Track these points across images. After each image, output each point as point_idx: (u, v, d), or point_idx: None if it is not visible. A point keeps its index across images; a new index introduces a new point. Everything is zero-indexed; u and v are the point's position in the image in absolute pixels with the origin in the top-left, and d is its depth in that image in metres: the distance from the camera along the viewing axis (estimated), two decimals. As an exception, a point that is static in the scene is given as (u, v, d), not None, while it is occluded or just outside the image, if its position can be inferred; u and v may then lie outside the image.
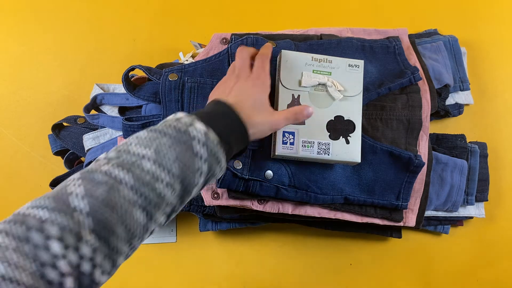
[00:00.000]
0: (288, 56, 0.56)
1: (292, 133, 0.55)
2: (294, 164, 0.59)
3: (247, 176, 0.58)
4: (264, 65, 0.51)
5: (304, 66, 0.56)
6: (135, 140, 0.39)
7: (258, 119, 0.47)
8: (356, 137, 0.56)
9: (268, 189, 0.59)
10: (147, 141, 0.38)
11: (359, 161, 0.56)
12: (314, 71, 0.56)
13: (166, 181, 0.37)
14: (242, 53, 0.52)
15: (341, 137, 0.56)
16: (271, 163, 0.59)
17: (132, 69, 0.62)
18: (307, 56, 0.56)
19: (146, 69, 0.62)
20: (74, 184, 0.34)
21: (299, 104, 0.56)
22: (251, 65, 0.52)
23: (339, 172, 0.61)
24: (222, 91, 0.49)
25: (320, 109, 0.56)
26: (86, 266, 0.32)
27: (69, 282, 0.30)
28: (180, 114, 0.42)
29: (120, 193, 0.34)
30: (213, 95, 0.51)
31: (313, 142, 0.55)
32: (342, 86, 0.56)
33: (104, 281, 0.35)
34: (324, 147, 0.55)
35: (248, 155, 0.59)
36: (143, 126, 0.61)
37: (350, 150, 0.56)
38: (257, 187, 0.58)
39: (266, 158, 0.59)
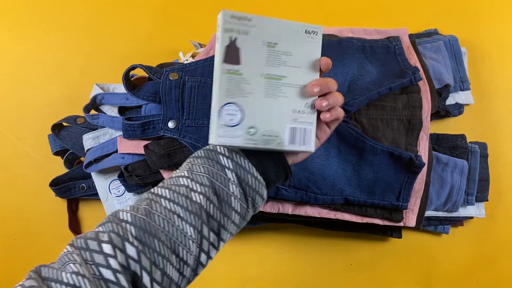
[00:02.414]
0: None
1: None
2: (293, 165, 0.59)
3: None
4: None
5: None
6: (177, 170, 0.45)
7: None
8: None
9: None
10: (185, 165, 0.45)
11: (313, 150, 0.45)
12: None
13: (199, 190, 0.42)
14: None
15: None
16: None
17: (133, 68, 0.62)
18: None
19: (147, 68, 0.62)
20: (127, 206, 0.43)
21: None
22: None
23: (339, 173, 0.61)
24: None
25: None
26: (133, 266, 0.37)
27: (122, 280, 0.36)
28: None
29: (159, 205, 0.41)
30: None
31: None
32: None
33: None
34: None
35: None
36: (143, 126, 0.61)
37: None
38: None
39: None
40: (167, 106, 0.60)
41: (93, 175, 0.69)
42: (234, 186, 0.43)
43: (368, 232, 0.68)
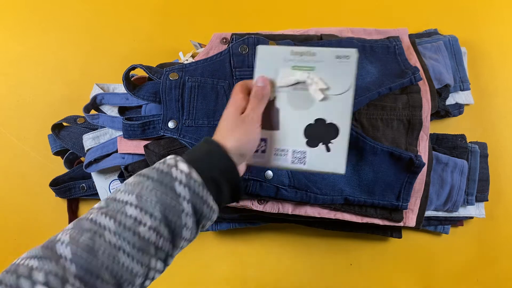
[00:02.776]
0: (265, 52, 0.49)
1: (265, 140, 0.49)
2: None
3: (247, 176, 0.58)
4: (257, 109, 0.47)
5: (283, 62, 0.48)
6: (123, 187, 0.40)
7: (236, 136, 0.45)
8: (340, 143, 0.47)
9: (268, 189, 0.59)
10: (132, 186, 0.40)
11: (343, 172, 0.48)
12: (294, 67, 0.48)
13: (148, 225, 0.38)
14: (236, 90, 0.48)
15: (320, 143, 0.48)
16: None
17: (133, 68, 0.62)
18: (286, 50, 0.48)
19: (147, 68, 0.62)
20: (64, 232, 0.38)
21: (275, 108, 0.48)
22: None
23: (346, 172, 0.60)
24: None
25: (298, 112, 0.48)
26: None
27: None
28: (168, 157, 0.43)
29: (103, 239, 0.36)
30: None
31: (287, 150, 0.48)
32: (326, 82, 0.47)
33: None
34: (299, 155, 0.48)
35: None
36: (143, 126, 0.61)
37: (331, 159, 0.47)
38: (257, 187, 0.58)
39: None
40: (167, 106, 0.60)
41: (93, 175, 0.69)
42: (188, 217, 0.40)
43: (368, 232, 0.68)
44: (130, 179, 0.41)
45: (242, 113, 0.46)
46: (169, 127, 0.59)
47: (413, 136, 0.62)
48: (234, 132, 0.45)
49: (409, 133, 0.62)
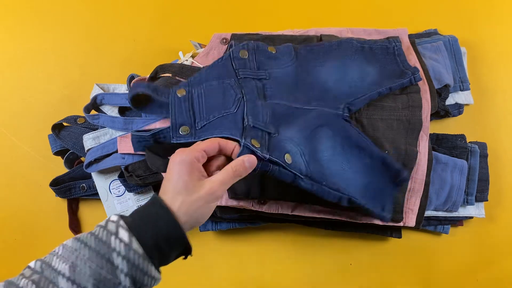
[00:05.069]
0: None
1: None
2: (308, 155, 0.56)
3: (267, 156, 0.52)
4: (227, 186, 0.44)
5: None
6: (61, 250, 0.38)
7: (188, 205, 0.41)
8: None
9: (286, 176, 0.54)
10: (69, 253, 0.38)
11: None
12: None
13: None
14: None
15: None
16: (289, 146, 0.55)
17: (137, 94, 0.58)
18: None
19: (153, 92, 0.58)
20: None
21: None
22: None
23: (343, 171, 0.59)
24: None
25: None
26: None
27: None
28: (112, 217, 0.40)
29: None
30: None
31: None
32: None
33: None
34: None
35: (263, 136, 0.54)
36: (154, 136, 0.58)
37: None
38: (276, 171, 0.53)
39: (282, 141, 0.55)
40: (176, 116, 0.57)
41: (93, 175, 0.69)
42: None
43: (368, 232, 0.68)
44: (69, 242, 0.39)
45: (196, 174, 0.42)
46: (181, 134, 0.56)
47: (413, 136, 0.62)
48: (186, 204, 0.41)
49: (409, 133, 0.62)
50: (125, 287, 0.38)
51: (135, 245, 0.38)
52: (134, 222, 0.39)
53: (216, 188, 0.43)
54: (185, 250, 0.43)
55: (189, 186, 0.42)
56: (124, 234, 0.38)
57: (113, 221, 0.39)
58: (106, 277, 0.37)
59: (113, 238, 0.38)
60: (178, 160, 0.43)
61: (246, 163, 0.45)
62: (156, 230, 0.39)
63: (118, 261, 0.37)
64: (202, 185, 0.42)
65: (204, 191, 0.42)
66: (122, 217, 0.40)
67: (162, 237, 0.39)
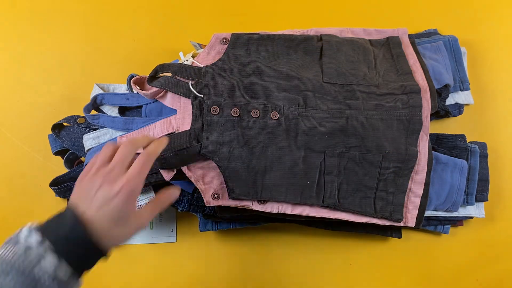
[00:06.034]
0: None
1: None
2: None
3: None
4: (143, 170, 0.44)
5: None
6: None
7: (118, 232, 0.43)
8: None
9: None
10: None
11: None
12: None
13: None
14: (124, 149, 0.46)
15: None
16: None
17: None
18: None
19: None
20: None
21: None
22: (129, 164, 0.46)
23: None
24: (86, 195, 0.44)
25: None
26: None
27: None
28: (31, 240, 0.40)
29: None
30: (75, 197, 0.45)
31: None
32: None
33: None
34: None
35: None
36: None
37: None
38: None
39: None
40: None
41: (93, 175, 0.69)
42: None
43: (368, 232, 0.68)
44: None
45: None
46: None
47: (413, 136, 0.62)
48: (106, 227, 0.42)
49: (409, 133, 0.62)
50: None
51: (62, 271, 0.39)
52: (58, 243, 0.40)
53: (145, 221, 0.46)
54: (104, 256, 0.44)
55: (129, 216, 0.44)
56: (50, 261, 0.39)
57: (34, 245, 0.39)
58: None
59: (37, 269, 0.38)
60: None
61: (172, 196, 0.49)
62: (79, 255, 0.41)
63: (46, 281, 0.38)
64: (135, 217, 0.45)
65: (136, 224, 0.45)
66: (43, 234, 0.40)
67: (85, 260, 0.41)
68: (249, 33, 0.64)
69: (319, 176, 0.61)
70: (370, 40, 0.68)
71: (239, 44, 0.63)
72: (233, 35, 0.64)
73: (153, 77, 0.64)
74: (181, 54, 0.71)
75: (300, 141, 0.60)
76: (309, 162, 0.61)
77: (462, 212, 0.68)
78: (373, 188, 0.62)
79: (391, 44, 0.67)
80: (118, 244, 0.44)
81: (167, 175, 0.60)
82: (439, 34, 0.73)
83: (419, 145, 0.63)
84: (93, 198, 0.43)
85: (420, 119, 0.62)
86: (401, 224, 0.63)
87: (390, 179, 0.62)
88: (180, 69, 0.62)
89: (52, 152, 0.71)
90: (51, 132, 0.69)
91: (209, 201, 0.61)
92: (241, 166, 0.59)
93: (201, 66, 0.62)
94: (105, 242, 0.42)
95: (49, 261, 0.38)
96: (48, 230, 0.41)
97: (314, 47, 0.65)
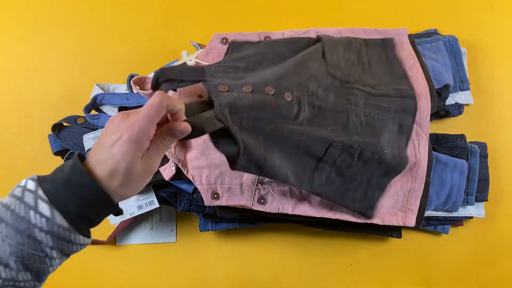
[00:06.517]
0: None
1: None
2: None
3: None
4: (152, 115, 0.40)
5: None
6: None
7: (122, 190, 0.38)
8: None
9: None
10: None
11: None
12: None
13: (3, 276, 0.34)
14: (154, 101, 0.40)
15: None
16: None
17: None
18: None
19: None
20: None
21: None
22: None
23: None
24: (103, 143, 0.38)
25: None
26: None
27: None
28: (29, 184, 0.36)
29: None
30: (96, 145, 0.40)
31: None
32: None
33: None
34: None
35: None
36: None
37: None
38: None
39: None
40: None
41: (93, 175, 0.69)
42: (54, 260, 0.36)
43: (368, 232, 0.68)
44: None
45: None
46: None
47: (402, 141, 0.62)
48: (118, 180, 0.37)
49: (401, 138, 0.62)
50: (53, 257, 0.36)
51: (59, 219, 0.35)
52: (55, 189, 0.36)
53: (155, 163, 0.40)
54: (115, 212, 0.40)
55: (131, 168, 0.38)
56: (44, 208, 0.35)
57: (30, 191, 0.35)
58: (30, 252, 0.34)
59: (32, 213, 0.34)
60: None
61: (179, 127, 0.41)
62: (80, 201, 0.36)
63: (41, 236, 0.34)
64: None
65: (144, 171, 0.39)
66: (40, 183, 0.36)
67: (87, 205, 0.36)
68: (248, 42, 0.64)
69: (316, 163, 0.59)
70: (366, 40, 0.67)
71: (240, 49, 0.63)
72: (232, 42, 0.63)
73: (156, 85, 0.61)
74: (184, 53, 0.70)
75: (304, 130, 0.57)
76: (312, 150, 0.58)
77: (462, 212, 0.68)
78: (358, 182, 0.61)
79: (386, 46, 0.67)
80: (133, 193, 0.40)
81: (167, 175, 0.60)
82: (439, 34, 0.73)
83: (419, 145, 0.63)
84: (98, 148, 0.38)
85: (410, 126, 0.61)
86: (401, 224, 0.63)
87: (376, 177, 0.61)
88: (181, 72, 0.60)
89: (52, 152, 0.71)
90: (51, 132, 0.69)
91: (209, 201, 0.61)
92: (253, 133, 0.54)
93: (205, 64, 0.61)
94: (110, 193, 0.37)
95: (42, 210, 0.35)
96: (45, 178, 0.38)
97: (316, 47, 0.64)
